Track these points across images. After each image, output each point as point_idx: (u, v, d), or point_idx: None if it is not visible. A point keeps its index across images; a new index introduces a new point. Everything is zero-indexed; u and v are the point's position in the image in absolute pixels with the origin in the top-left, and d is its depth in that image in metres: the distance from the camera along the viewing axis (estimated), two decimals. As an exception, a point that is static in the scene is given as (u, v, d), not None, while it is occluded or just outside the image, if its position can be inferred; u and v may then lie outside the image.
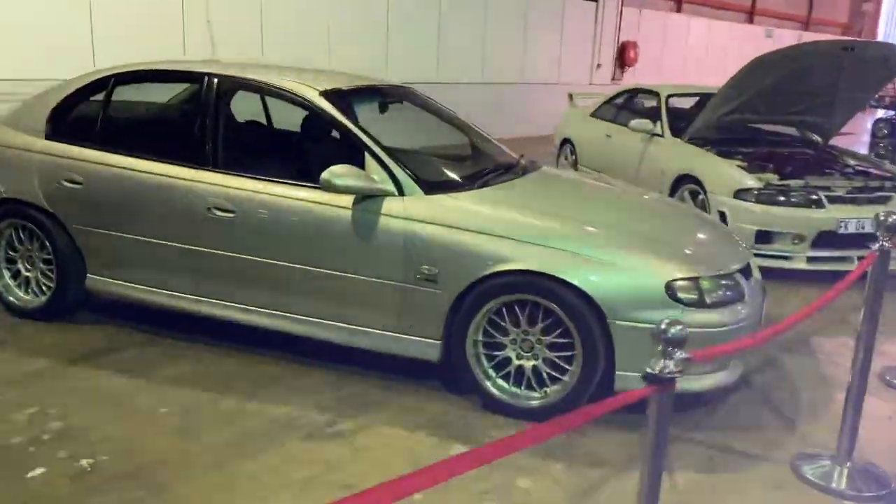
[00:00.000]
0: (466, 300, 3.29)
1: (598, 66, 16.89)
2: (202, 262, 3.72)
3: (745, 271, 3.56)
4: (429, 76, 13.12)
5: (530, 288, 3.20)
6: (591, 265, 3.16)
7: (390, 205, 3.40)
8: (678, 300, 3.14)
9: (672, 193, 6.35)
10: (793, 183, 5.66)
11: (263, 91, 3.84)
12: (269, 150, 3.88)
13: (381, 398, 3.47)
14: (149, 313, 4.05)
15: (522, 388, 3.33)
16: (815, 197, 5.54)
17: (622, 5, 17.07)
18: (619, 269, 3.16)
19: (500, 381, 3.36)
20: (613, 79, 17.54)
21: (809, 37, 23.58)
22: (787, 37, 23.73)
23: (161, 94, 4.57)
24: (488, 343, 3.35)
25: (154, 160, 3.79)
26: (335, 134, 3.98)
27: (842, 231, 5.44)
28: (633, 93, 7.90)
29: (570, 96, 9.35)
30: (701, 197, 5.99)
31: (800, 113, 6.66)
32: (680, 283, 3.16)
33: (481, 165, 4.04)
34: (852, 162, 6.44)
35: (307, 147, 3.78)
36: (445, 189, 3.50)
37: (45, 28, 8.26)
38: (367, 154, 3.48)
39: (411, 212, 3.37)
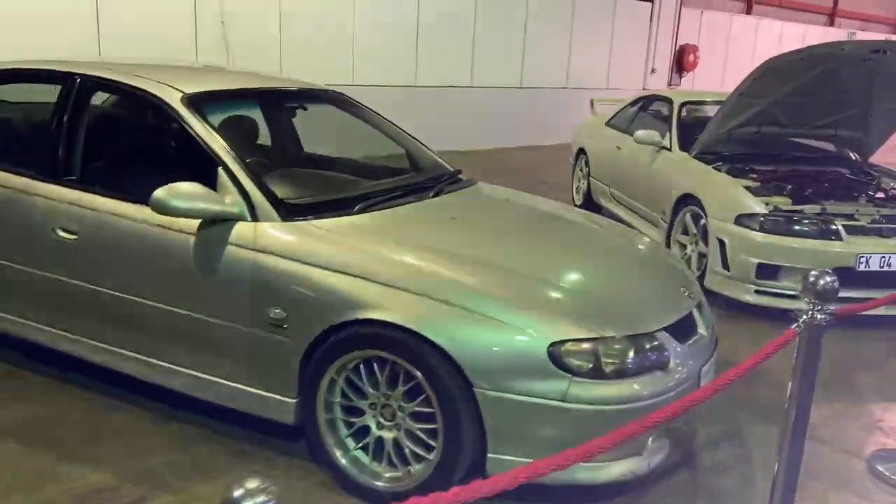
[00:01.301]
0: (317, 353, 2.69)
1: (653, 70, 15.90)
2: (52, 290, 3.23)
3: (683, 326, 2.83)
4: (462, 80, 12.53)
5: (384, 343, 2.57)
6: (459, 319, 2.50)
7: (240, 232, 2.83)
8: (565, 368, 2.45)
9: (674, 216, 5.56)
10: (806, 208, 4.81)
11: (122, 93, 3.33)
12: (127, 162, 3.38)
13: (225, 466, 2.89)
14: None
15: (383, 464, 2.70)
16: (833, 226, 4.67)
17: (681, 6, 16.04)
18: (494, 326, 2.49)
19: (358, 454, 2.74)
20: (670, 84, 16.53)
21: (898, 41, 21.79)
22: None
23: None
24: (348, 407, 2.74)
25: (6, 171, 3.32)
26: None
27: (861, 268, 4.57)
28: (650, 100, 7.09)
29: (591, 102, 8.57)
30: (703, 221, 5.19)
31: (830, 126, 5.75)
32: (568, 345, 2.46)
33: (382, 183, 3.42)
34: (893, 184, 5.50)
35: (170, 160, 3.26)
36: (310, 213, 2.90)
37: (49, 27, 8.07)
38: (220, 170, 2.91)
39: (262, 241, 2.78)
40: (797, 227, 4.69)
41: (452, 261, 2.70)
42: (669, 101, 6.47)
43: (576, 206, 8.05)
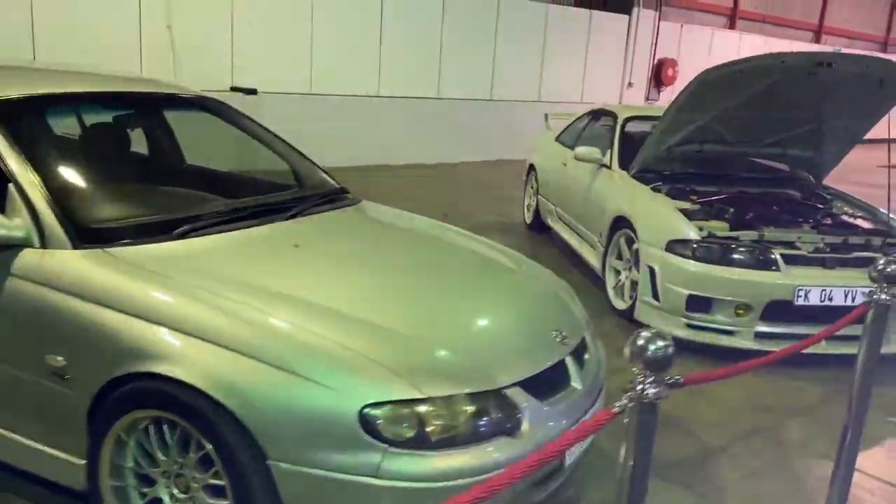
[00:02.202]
0: (101, 409, 2.24)
1: (630, 84, 15.52)
2: None
3: (549, 379, 2.39)
4: (428, 92, 12.13)
5: (168, 402, 2.12)
6: (256, 375, 2.05)
7: (25, 261, 2.38)
8: (380, 436, 2.01)
9: (609, 240, 5.14)
10: (743, 235, 4.38)
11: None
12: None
13: (6, 536, 2.44)
14: None
15: (178, 543, 2.25)
16: (771, 255, 4.24)
17: (659, 19, 15.69)
18: (297, 384, 2.04)
19: (152, 531, 2.29)
20: (648, 99, 16.17)
21: (886, 59, 21.48)
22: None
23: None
24: (142, 474, 2.29)
25: None
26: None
27: (800, 302, 4.13)
28: (598, 114, 6.67)
29: (546, 116, 8.17)
30: (636, 246, 4.76)
31: (780, 144, 5.33)
32: (386, 409, 2.02)
33: (229, 203, 2.96)
34: (847, 209, 5.08)
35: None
36: (114, 239, 2.46)
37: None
38: (10, 187, 2.47)
39: (48, 273, 2.34)
40: (732, 256, 4.26)
41: (266, 301, 2.25)
42: (614, 116, 6.06)
43: (526, 224, 7.66)
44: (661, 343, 1.53)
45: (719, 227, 4.44)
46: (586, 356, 2.68)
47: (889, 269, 2.38)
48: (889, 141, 4.51)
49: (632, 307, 4.74)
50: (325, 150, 10.78)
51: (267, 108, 10.13)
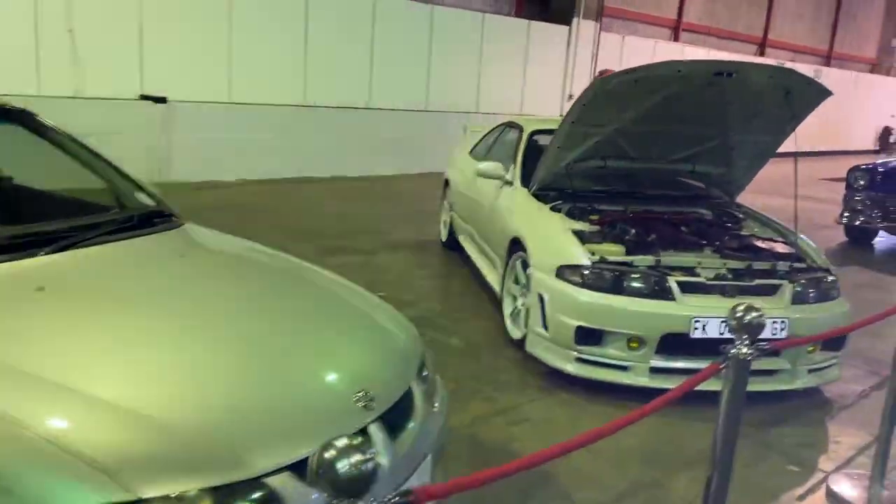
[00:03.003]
0: None
1: (570, 96, 15.22)
2: None
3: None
4: (359, 101, 11.68)
5: None
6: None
7: None
8: (73, 551, 1.52)
9: (507, 263, 4.71)
10: (638, 260, 3.98)
11: None
12: None
13: None
14: None
15: None
16: (666, 283, 3.85)
17: (600, 30, 15.46)
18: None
19: None
20: (590, 110, 15.90)
21: (829, 73, 21.72)
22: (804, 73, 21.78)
23: None
24: None
25: None
26: None
27: (697, 334, 3.74)
28: (508, 127, 6.27)
29: (465, 128, 7.76)
30: (529, 270, 4.33)
31: (689, 160, 4.97)
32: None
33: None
34: (757, 230, 4.72)
35: None
36: None
37: None
38: None
39: None
40: (624, 283, 3.86)
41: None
42: (521, 129, 5.65)
43: (441, 242, 7.21)
44: (358, 458, 1.07)
45: (614, 252, 4.04)
46: (412, 418, 2.22)
47: (749, 318, 1.97)
48: (796, 154, 4.18)
49: (523, 339, 4.31)
50: (242, 161, 10.33)
51: (180, 118, 9.60)
